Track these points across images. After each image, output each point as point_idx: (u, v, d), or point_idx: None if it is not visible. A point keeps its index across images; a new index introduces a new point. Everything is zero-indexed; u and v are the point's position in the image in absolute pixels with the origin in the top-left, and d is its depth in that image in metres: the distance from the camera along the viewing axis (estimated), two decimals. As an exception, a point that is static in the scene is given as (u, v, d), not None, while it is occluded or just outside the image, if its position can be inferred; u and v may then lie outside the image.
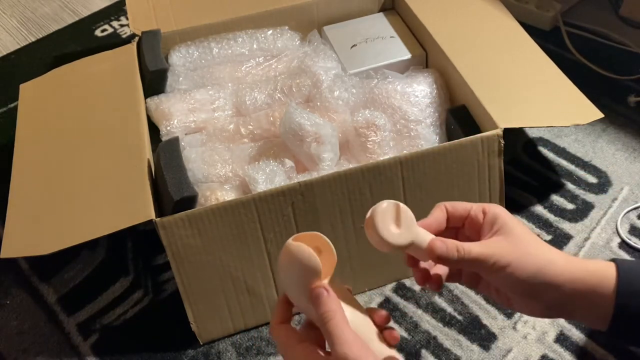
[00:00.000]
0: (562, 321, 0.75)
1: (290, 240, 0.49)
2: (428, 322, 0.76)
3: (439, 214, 0.52)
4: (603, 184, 0.89)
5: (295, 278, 0.49)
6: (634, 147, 0.93)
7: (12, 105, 1.11)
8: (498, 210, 0.50)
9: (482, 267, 0.48)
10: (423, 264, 0.53)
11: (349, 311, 0.49)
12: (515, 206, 0.87)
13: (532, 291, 0.49)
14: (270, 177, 0.76)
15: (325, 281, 0.50)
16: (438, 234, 0.51)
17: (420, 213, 0.76)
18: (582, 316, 0.49)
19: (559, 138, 0.96)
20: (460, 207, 0.52)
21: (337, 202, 0.72)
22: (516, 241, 0.48)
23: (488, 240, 0.49)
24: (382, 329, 0.50)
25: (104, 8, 1.33)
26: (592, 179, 0.90)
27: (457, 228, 0.53)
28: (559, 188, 0.89)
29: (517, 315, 0.76)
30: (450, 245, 0.49)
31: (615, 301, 0.47)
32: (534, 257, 0.48)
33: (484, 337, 0.74)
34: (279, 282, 0.50)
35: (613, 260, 0.49)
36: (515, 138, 0.96)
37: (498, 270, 0.48)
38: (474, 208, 0.52)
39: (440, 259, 0.49)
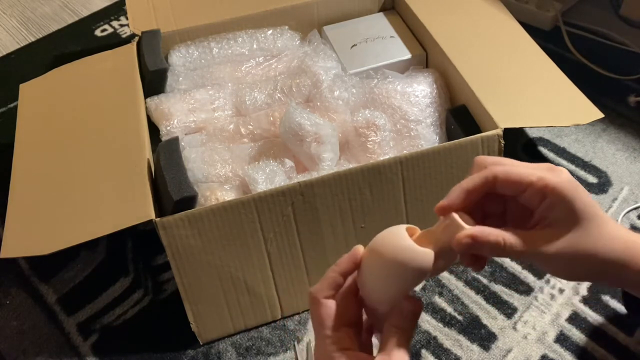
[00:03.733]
0: (562, 321, 0.75)
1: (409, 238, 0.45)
2: (428, 322, 0.76)
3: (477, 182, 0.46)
4: (603, 184, 0.89)
5: (396, 277, 0.44)
6: (634, 147, 0.93)
7: (12, 105, 1.11)
8: (569, 195, 0.43)
9: (529, 260, 0.45)
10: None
11: None
12: (515, 206, 0.87)
13: (583, 277, 0.46)
14: (270, 177, 0.76)
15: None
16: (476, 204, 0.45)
17: (420, 213, 0.76)
18: (624, 285, 0.47)
19: (559, 138, 0.96)
20: (516, 177, 0.44)
21: (337, 202, 0.72)
22: (576, 238, 0.43)
23: (541, 232, 0.44)
24: None
25: (104, 8, 1.33)
26: (592, 179, 0.90)
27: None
28: (559, 188, 0.89)
29: (517, 315, 0.76)
30: (492, 236, 0.43)
31: None
32: (595, 256, 0.43)
33: (484, 337, 0.74)
34: (366, 266, 0.46)
35: None
36: (515, 138, 0.96)
37: (548, 264, 0.44)
38: (535, 185, 0.43)
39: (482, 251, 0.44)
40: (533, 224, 0.45)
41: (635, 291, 0.47)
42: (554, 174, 0.44)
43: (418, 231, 0.48)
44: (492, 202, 0.47)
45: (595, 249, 0.43)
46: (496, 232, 0.43)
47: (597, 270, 0.44)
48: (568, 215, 0.43)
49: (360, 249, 0.49)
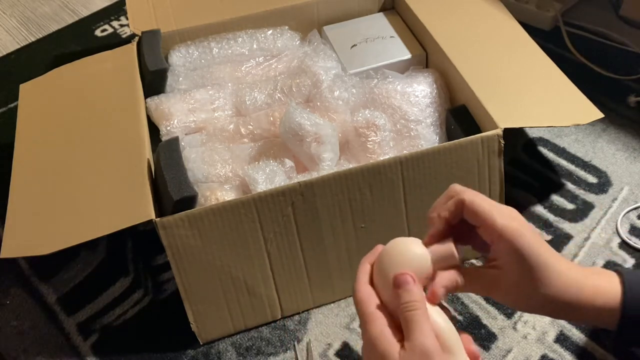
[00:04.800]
0: (562, 321, 0.75)
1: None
2: (428, 322, 0.76)
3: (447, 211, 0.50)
4: (603, 184, 0.89)
5: (396, 267, 0.48)
6: (634, 147, 0.93)
7: (12, 105, 1.11)
8: (526, 245, 0.47)
9: (487, 293, 0.50)
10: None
11: (442, 317, 0.48)
12: (516, 206, 0.85)
13: (537, 310, 0.49)
14: (270, 177, 0.76)
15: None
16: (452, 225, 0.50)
17: (420, 213, 0.76)
18: (587, 323, 0.50)
19: (559, 138, 0.96)
20: (476, 208, 0.48)
21: (337, 202, 0.72)
22: (529, 280, 0.47)
23: (492, 272, 0.49)
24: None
25: (104, 8, 1.33)
26: (592, 179, 0.90)
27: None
28: (559, 188, 0.89)
29: (517, 315, 0.76)
30: (449, 284, 0.49)
31: (622, 313, 0.47)
32: (546, 295, 0.47)
33: (484, 337, 0.74)
34: (380, 265, 0.50)
35: (616, 271, 0.50)
36: (515, 138, 0.96)
37: (502, 300, 0.49)
38: (494, 229, 0.47)
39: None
40: (490, 259, 0.50)
41: (597, 325, 0.50)
42: (507, 220, 0.47)
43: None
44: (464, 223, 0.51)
45: (545, 294, 0.47)
46: (454, 278, 0.49)
47: (550, 309, 0.48)
48: (515, 261, 0.47)
49: (379, 246, 0.53)
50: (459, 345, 0.47)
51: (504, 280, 0.48)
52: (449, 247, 0.50)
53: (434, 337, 0.45)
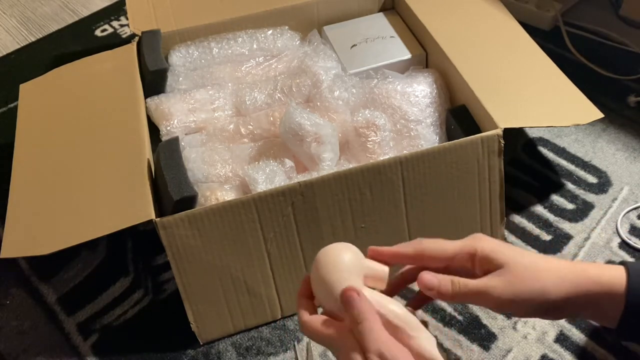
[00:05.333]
0: (562, 321, 0.75)
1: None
2: (428, 322, 0.76)
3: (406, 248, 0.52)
4: (603, 184, 0.89)
5: (332, 280, 0.49)
6: (634, 147, 0.93)
7: (12, 105, 1.11)
8: (487, 249, 0.49)
9: (481, 300, 0.49)
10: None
11: (396, 305, 0.49)
12: (515, 206, 0.87)
13: (536, 313, 0.49)
14: (270, 177, 0.76)
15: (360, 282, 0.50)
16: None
17: (420, 213, 0.76)
18: (590, 318, 0.50)
19: (559, 138, 0.96)
20: (441, 251, 0.50)
21: (337, 202, 0.72)
22: (514, 277, 0.48)
23: (484, 278, 0.49)
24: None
25: (104, 8, 1.33)
26: (592, 179, 0.90)
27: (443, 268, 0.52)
28: (559, 188, 0.89)
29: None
30: (443, 279, 0.49)
31: (626, 300, 0.47)
32: (537, 290, 0.48)
33: (484, 337, 0.74)
34: (315, 282, 0.51)
35: (622, 263, 0.49)
36: (515, 138, 0.96)
37: (500, 305, 0.49)
38: (460, 253, 0.50)
39: (433, 293, 0.50)
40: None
41: (600, 322, 0.50)
42: (474, 240, 0.50)
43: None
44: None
45: (532, 291, 0.48)
46: (449, 277, 0.50)
47: (547, 308, 0.48)
48: (491, 266, 0.49)
49: None
50: (418, 325, 0.49)
51: (494, 284, 0.48)
52: (383, 270, 0.51)
53: (387, 339, 0.46)
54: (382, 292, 0.51)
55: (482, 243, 0.50)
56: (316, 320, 0.49)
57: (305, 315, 0.50)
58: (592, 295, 0.48)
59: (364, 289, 0.49)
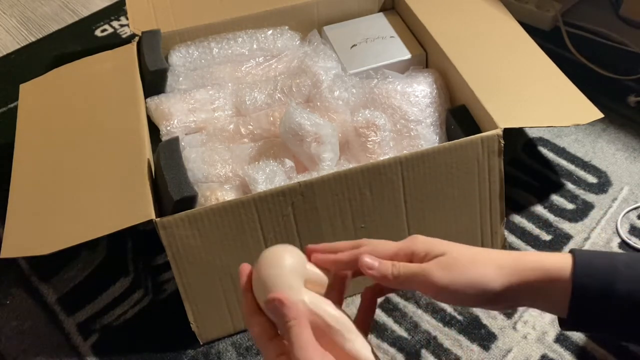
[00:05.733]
0: (562, 321, 0.75)
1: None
2: (428, 322, 0.76)
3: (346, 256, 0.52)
4: (603, 184, 0.89)
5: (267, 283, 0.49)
6: (634, 147, 0.93)
7: (12, 105, 1.11)
8: (426, 244, 0.50)
9: (420, 285, 0.48)
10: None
11: (330, 306, 0.50)
12: (515, 206, 0.87)
13: (477, 303, 0.49)
14: (270, 177, 0.76)
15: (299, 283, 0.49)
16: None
17: (420, 213, 0.76)
18: (538, 307, 0.49)
19: (559, 138, 0.96)
20: (379, 253, 0.51)
21: (337, 202, 0.72)
22: (452, 265, 0.48)
23: (423, 263, 0.49)
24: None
25: (104, 8, 1.33)
26: (592, 179, 0.90)
27: None
28: (559, 188, 0.89)
29: (517, 315, 0.76)
30: (383, 261, 0.49)
31: (573, 285, 0.45)
32: (475, 278, 0.47)
33: (484, 337, 0.74)
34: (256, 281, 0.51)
35: (571, 250, 0.48)
36: (515, 138, 0.96)
37: (438, 291, 0.48)
38: (398, 254, 0.50)
39: (374, 275, 0.49)
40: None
41: (550, 311, 0.48)
42: (411, 240, 0.50)
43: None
44: None
45: (469, 279, 0.47)
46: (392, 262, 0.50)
47: (488, 298, 0.47)
48: (441, 250, 0.48)
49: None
50: (351, 327, 0.49)
51: (434, 274, 0.48)
52: (323, 275, 0.52)
53: (313, 345, 0.45)
54: (325, 296, 0.51)
55: (419, 240, 0.50)
56: (252, 320, 0.49)
57: (245, 309, 0.50)
58: (534, 282, 0.47)
59: (304, 292, 0.49)
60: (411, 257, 0.50)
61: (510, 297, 0.47)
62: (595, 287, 0.45)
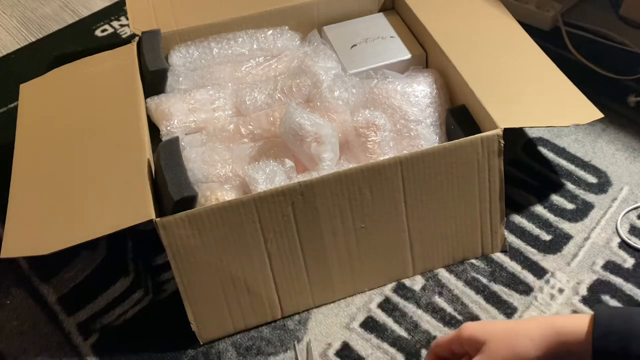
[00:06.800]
0: (562, 321, 0.75)
1: None
2: (428, 322, 0.76)
3: None
4: (603, 184, 0.89)
5: None
6: (634, 147, 0.93)
7: (12, 105, 1.11)
8: (469, 332, 0.58)
9: None
10: None
11: None
12: (515, 206, 0.87)
13: None
14: (270, 177, 0.76)
15: None
16: None
17: (420, 213, 0.76)
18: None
19: (559, 138, 0.96)
20: (440, 344, 0.62)
21: (337, 202, 0.72)
22: (494, 352, 0.56)
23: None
24: None
25: (104, 8, 1.33)
26: (592, 179, 0.90)
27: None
28: (559, 188, 0.89)
29: (517, 315, 0.76)
30: None
31: (593, 347, 0.51)
32: (513, 356, 0.55)
33: (484, 337, 0.74)
34: None
35: (594, 308, 0.55)
36: (515, 138, 0.96)
37: None
38: (452, 341, 0.60)
39: None
40: None
41: None
42: (460, 329, 0.59)
43: None
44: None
45: (513, 351, 0.55)
46: None
47: None
48: (479, 343, 0.57)
49: None
50: None
51: None
52: None
53: None
54: None
55: (465, 329, 0.59)
56: None
57: None
58: (559, 346, 0.54)
59: None
60: (461, 345, 0.59)
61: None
62: (613, 350, 0.51)
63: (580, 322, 0.54)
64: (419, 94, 0.87)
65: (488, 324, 0.59)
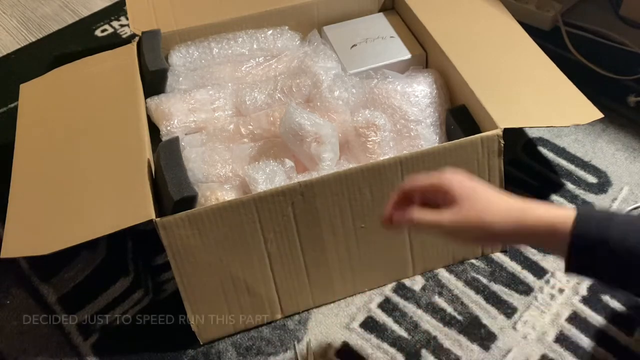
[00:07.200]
0: (562, 321, 0.75)
1: None
2: (428, 322, 0.76)
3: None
4: (603, 184, 0.89)
5: None
6: (633, 147, 0.93)
7: (12, 105, 1.11)
8: (449, 184, 0.56)
9: (434, 230, 0.56)
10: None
11: None
12: (515, 206, 0.87)
13: (477, 242, 0.58)
14: (270, 177, 0.76)
15: None
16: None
17: (420, 213, 0.76)
18: (534, 247, 0.56)
19: (559, 138, 0.96)
20: (414, 184, 0.58)
21: (337, 202, 0.72)
22: (465, 213, 0.54)
23: (441, 212, 0.56)
24: None
25: (104, 8, 1.33)
26: (592, 179, 0.90)
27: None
28: (559, 188, 0.89)
29: (517, 315, 0.76)
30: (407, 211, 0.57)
31: (572, 232, 0.50)
32: (483, 224, 0.53)
33: (483, 337, 0.74)
34: None
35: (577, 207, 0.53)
36: (515, 138, 0.96)
37: (448, 233, 0.56)
38: (430, 186, 0.57)
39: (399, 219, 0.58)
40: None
41: (545, 252, 0.56)
42: (440, 180, 0.56)
43: None
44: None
45: (480, 217, 0.54)
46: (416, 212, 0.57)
47: (488, 239, 0.57)
48: (452, 198, 0.55)
49: None
50: None
51: (447, 213, 0.55)
52: None
53: None
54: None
55: (446, 182, 0.56)
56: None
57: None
58: (534, 231, 0.52)
59: None
60: (437, 192, 0.56)
61: (508, 241, 0.55)
62: (592, 234, 0.50)
63: (562, 213, 0.52)
64: (419, 94, 0.87)
65: (470, 185, 0.56)
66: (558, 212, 0.52)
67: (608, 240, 0.49)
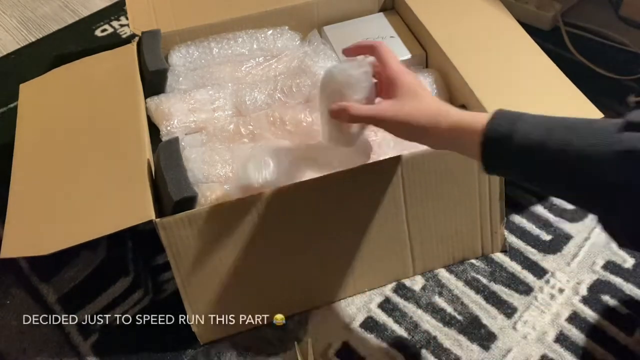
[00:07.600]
0: (562, 321, 0.75)
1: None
2: (428, 322, 0.76)
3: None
4: (603, 184, 0.89)
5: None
6: (634, 147, 0.93)
7: (12, 105, 1.11)
8: (398, 80, 0.61)
9: (372, 122, 0.62)
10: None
11: None
12: (516, 206, 0.87)
13: (410, 137, 0.61)
14: (267, 175, 0.75)
15: None
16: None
17: (420, 213, 0.76)
18: (459, 152, 0.58)
19: (559, 138, 0.95)
20: (386, 66, 0.63)
21: (337, 201, 0.72)
22: (401, 108, 0.59)
23: (378, 106, 0.62)
24: None
25: (104, 8, 1.33)
26: (592, 179, 0.89)
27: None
28: (559, 188, 0.89)
29: (517, 315, 0.76)
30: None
31: (484, 130, 0.53)
32: (412, 121, 0.59)
33: (483, 337, 0.74)
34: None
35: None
36: (515, 138, 0.96)
37: (387, 128, 0.61)
38: (389, 75, 0.62)
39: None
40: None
41: (468, 156, 0.57)
42: (395, 65, 0.62)
43: None
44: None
45: (410, 115, 0.59)
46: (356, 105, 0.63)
47: (416, 131, 0.59)
48: (395, 93, 0.61)
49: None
50: None
51: (388, 106, 0.60)
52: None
53: None
54: None
55: (393, 72, 0.61)
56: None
57: None
58: (451, 133, 0.56)
59: None
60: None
61: (430, 139, 0.59)
62: (501, 130, 0.53)
63: (479, 115, 0.56)
64: (419, 94, 0.86)
65: (407, 82, 0.61)
66: (475, 114, 0.57)
67: (512, 135, 0.52)
